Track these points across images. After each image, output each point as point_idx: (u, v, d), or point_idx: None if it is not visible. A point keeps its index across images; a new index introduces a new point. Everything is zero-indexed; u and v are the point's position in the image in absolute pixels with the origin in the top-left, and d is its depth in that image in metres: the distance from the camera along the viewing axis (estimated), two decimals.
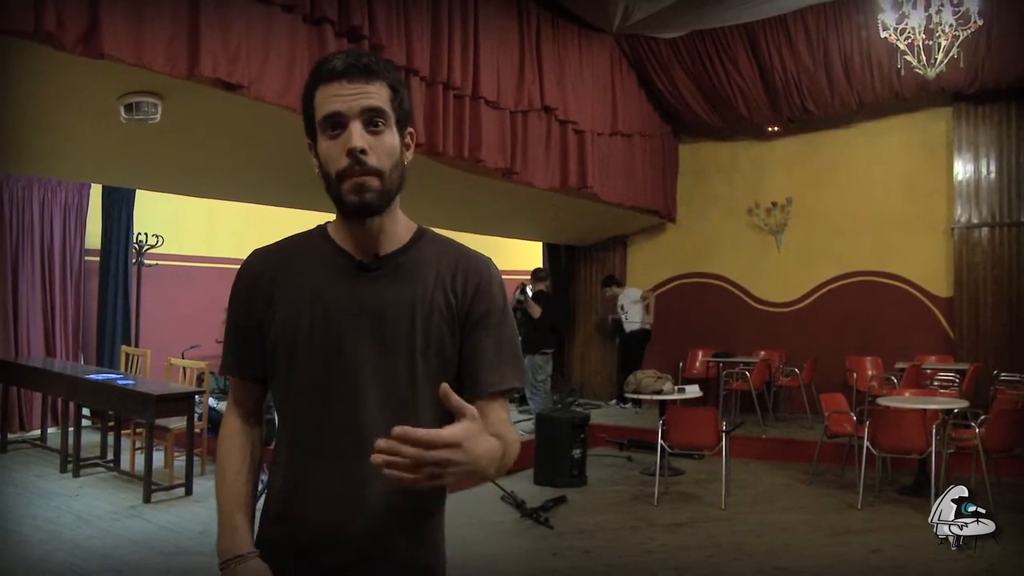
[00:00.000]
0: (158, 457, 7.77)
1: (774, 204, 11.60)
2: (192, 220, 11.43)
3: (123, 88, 5.22)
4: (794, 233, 11.53)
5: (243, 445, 1.89)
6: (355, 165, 1.67)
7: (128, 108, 5.26)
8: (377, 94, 1.70)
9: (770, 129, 11.55)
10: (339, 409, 1.72)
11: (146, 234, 10.81)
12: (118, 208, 10.51)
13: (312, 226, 1.90)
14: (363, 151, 1.66)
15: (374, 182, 1.69)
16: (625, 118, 10.34)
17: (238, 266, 1.88)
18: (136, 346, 10.32)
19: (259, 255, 1.87)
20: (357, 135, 1.67)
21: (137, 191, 10.50)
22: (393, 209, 1.79)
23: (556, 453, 8.08)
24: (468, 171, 7.97)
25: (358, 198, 1.69)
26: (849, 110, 10.57)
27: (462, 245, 1.89)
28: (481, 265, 1.86)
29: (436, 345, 1.78)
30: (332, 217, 1.85)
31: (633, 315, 11.71)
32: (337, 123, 1.68)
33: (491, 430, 1.73)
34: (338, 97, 1.68)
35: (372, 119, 1.69)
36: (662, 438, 7.44)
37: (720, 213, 12.10)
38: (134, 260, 10.70)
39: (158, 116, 5.36)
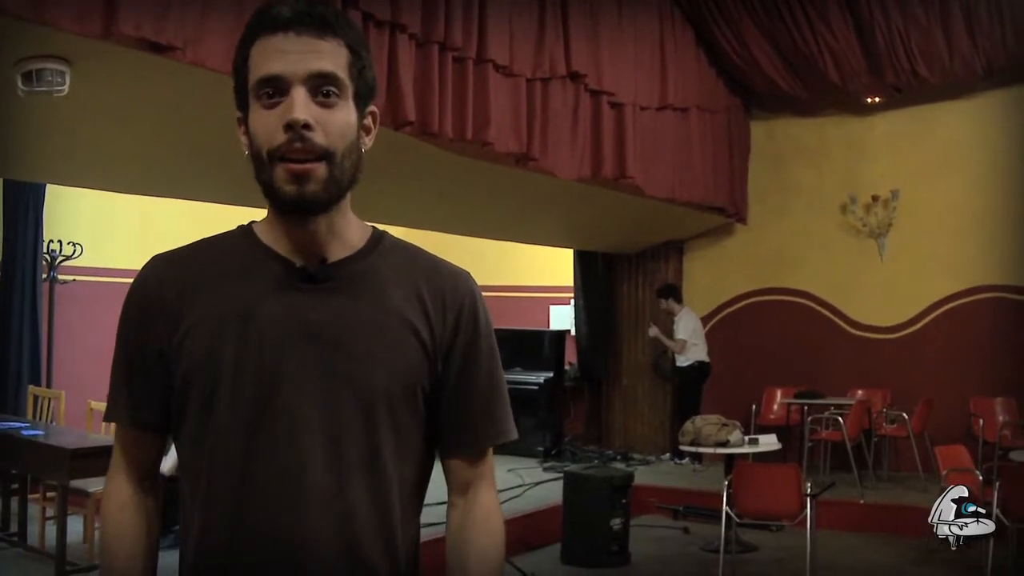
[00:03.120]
0: (75, 529, 7.77)
1: (875, 199, 11.55)
2: (119, 224, 11.47)
3: (20, 52, 5.23)
4: (902, 236, 11.48)
5: (137, 520, 1.86)
6: (295, 142, 1.64)
7: (27, 77, 5.25)
8: (331, 55, 1.69)
9: (870, 101, 11.53)
10: (276, 461, 1.70)
11: (60, 242, 10.84)
12: (23, 209, 10.52)
13: None
14: (307, 125, 1.64)
15: (319, 169, 1.67)
16: (678, 88, 10.32)
17: None
18: (47, 386, 10.35)
19: (159, 264, 1.84)
20: (300, 104, 1.65)
21: (47, 187, 10.54)
22: (344, 207, 1.78)
23: (590, 523, 8.08)
24: (472, 157, 7.98)
25: (296, 189, 1.67)
26: (974, 76, 10.52)
27: (433, 255, 1.89)
28: (462, 281, 1.88)
29: (405, 380, 1.77)
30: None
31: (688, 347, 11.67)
32: (276, 88, 1.66)
33: (484, 507, 1.88)
34: (281, 54, 1.66)
35: (322, 87, 1.67)
36: (728, 504, 7.39)
37: (805, 211, 12.06)
38: (44, 275, 10.73)
39: (65, 88, 5.36)
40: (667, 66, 10.12)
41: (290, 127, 1.63)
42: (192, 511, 1.77)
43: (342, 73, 1.69)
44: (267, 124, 1.67)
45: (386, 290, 1.78)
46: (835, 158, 11.94)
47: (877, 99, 11.46)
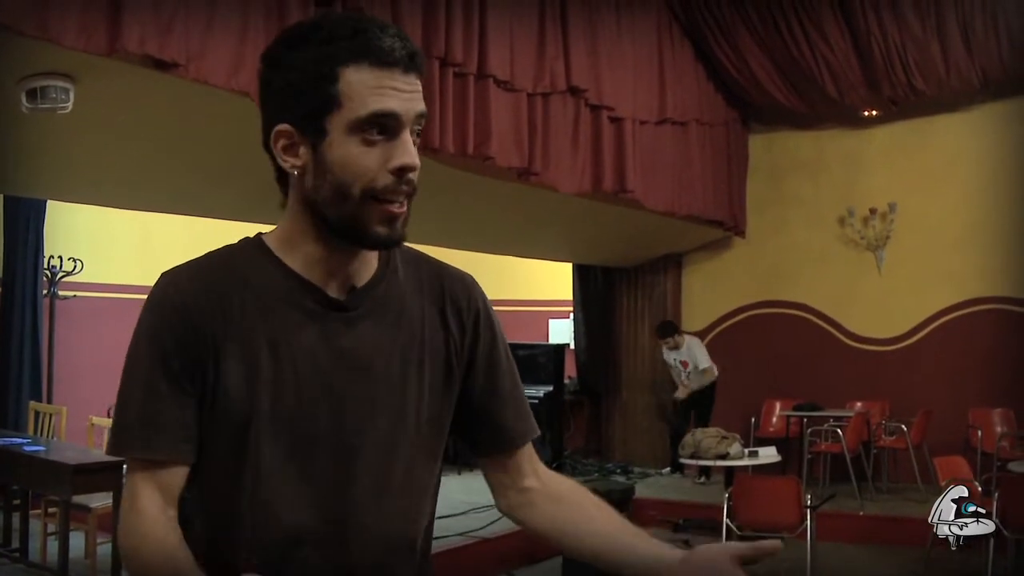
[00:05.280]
0: (77, 545, 7.75)
1: (873, 211, 11.56)
2: (120, 239, 11.47)
3: (25, 69, 5.25)
4: (899, 249, 11.49)
5: (167, 526, 1.63)
6: (402, 186, 1.61)
7: (31, 95, 5.26)
8: (422, 94, 1.65)
9: (867, 114, 11.54)
10: (317, 498, 1.67)
11: (60, 257, 10.84)
12: (24, 224, 10.51)
13: None
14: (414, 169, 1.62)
15: (406, 210, 1.64)
16: (677, 102, 10.35)
17: None
18: (48, 402, 10.33)
19: (185, 281, 1.69)
20: (413, 149, 1.62)
21: (48, 202, 10.54)
22: None
23: None
24: (473, 172, 7.99)
25: (387, 231, 1.63)
26: (970, 89, 10.54)
27: (438, 260, 1.89)
28: (472, 286, 1.89)
29: (435, 399, 1.78)
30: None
31: (699, 373, 11.67)
32: (386, 126, 1.60)
33: (566, 485, 1.95)
34: (396, 92, 1.59)
35: (417, 127, 1.65)
36: (728, 516, 7.40)
37: (803, 224, 12.08)
38: (45, 291, 10.72)
39: (70, 105, 5.37)
40: (666, 80, 10.14)
41: (402, 171, 1.59)
42: (222, 551, 1.68)
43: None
44: (367, 162, 1.59)
45: (407, 309, 1.76)
46: (833, 171, 11.95)
47: (874, 112, 11.47)
